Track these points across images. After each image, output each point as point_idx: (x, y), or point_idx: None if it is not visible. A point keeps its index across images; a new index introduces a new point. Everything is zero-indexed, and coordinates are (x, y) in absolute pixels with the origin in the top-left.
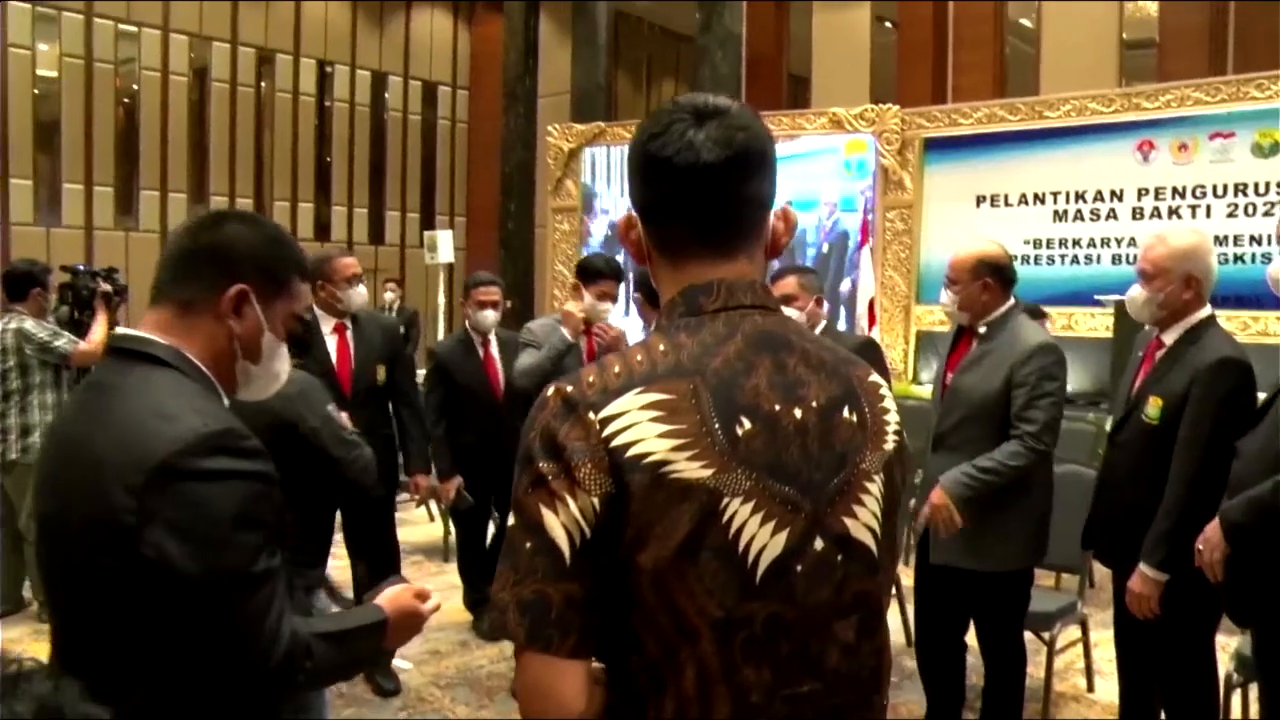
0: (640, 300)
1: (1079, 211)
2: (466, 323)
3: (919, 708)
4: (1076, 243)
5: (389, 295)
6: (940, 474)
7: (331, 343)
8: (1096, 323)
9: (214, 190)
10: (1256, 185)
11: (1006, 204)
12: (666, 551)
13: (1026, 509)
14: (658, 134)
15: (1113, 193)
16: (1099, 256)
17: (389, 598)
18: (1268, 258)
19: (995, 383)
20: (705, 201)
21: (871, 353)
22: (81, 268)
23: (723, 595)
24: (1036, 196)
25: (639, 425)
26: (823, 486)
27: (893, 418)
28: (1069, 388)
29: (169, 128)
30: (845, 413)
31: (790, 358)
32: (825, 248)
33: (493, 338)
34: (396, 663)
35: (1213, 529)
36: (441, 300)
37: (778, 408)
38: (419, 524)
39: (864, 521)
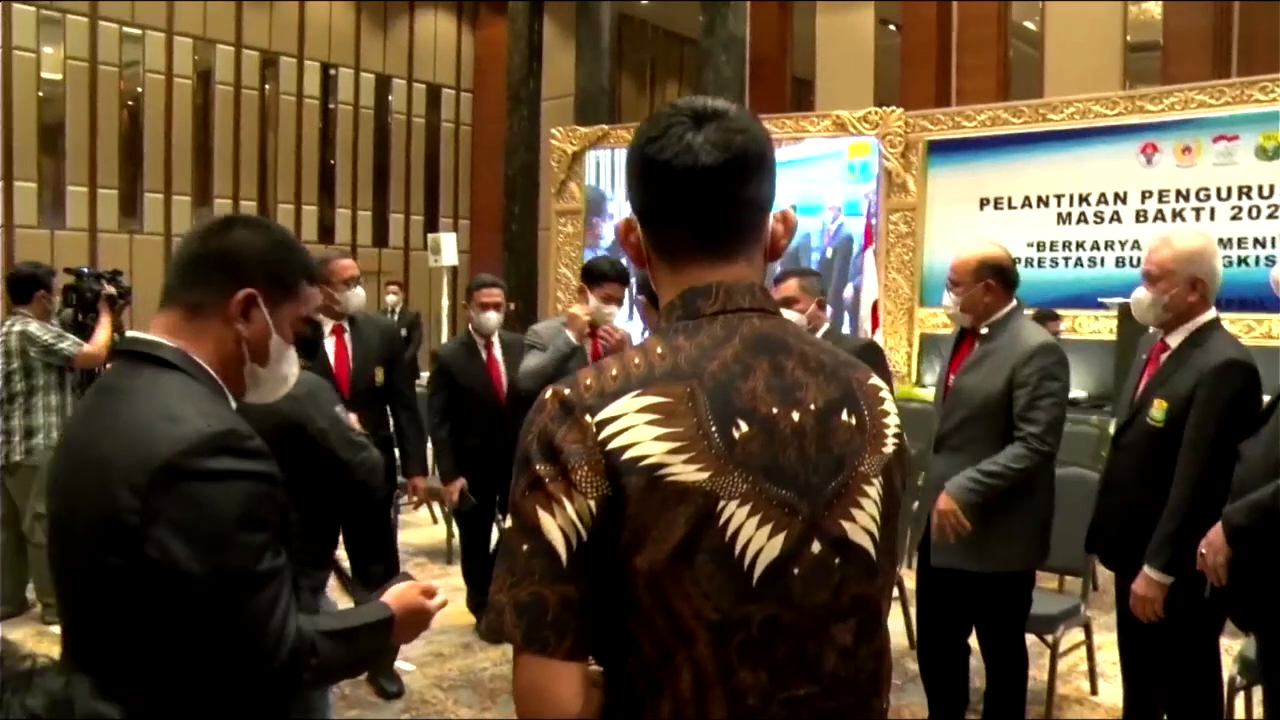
0: (643, 303)
1: (1083, 214)
2: (469, 325)
3: (921, 710)
4: (1080, 245)
5: (391, 298)
6: (942, 475)
7: (329, 345)
8: (1100, 325)
9: (218, 193)
10: (1260, 188)
11: (1010, 206)
12: (662, 554)
13: (1027, 511)
14: (656, 137)
15: (1116, 195)
16: (1102, 259)
17: (395, 595)
18: (1271, 260)
19: (997, 383)
20: (703, 204)
21: (873, 356)
22: (85, 270)
23: (719, 598)
24: (1040, 199)
25: (635, 428)
26: (820, 489)
27: (892, 421)
28: (1072, 391)
29: (173, 130)
30: (844, 415)
31: (788, 360)
32: (829, 252)
33: (496, 340)
34: (399, 665)
35: (1215, 533)
36: (445, 303)
37: (775, 411)
38: (422, 526)
39: (862, 525)
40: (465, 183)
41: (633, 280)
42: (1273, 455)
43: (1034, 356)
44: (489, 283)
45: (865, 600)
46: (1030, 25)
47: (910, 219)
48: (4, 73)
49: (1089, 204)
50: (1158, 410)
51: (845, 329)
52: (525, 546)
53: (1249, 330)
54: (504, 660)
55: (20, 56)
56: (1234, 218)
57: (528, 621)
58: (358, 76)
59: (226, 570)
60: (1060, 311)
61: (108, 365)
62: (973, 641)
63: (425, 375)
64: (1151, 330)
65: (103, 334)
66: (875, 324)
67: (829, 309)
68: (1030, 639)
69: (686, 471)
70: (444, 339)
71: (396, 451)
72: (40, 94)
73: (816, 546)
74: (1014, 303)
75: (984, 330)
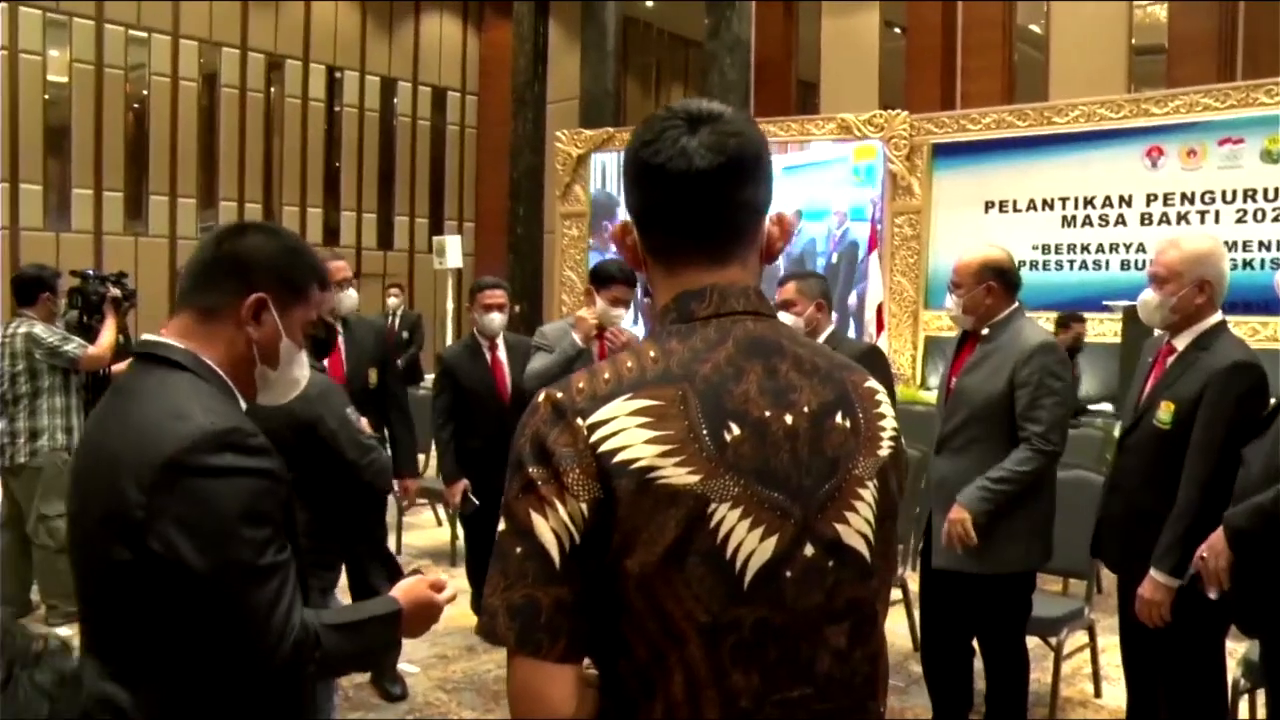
0: (647, 305)
1: (1088, 217)
2: (474, 327)
3: (925, 712)
4: (1085, 248)
5: (393, 300)
6: (944, 477)
7: None
8: (1105, 328)
9: (223, 195)
10: (1265, 191)
11: (1015, 209)
12: (653, 557)
13: (1028, 512)
14: (650, 140)
15: (1121, 198)
16: (1107, 262)
17: (404, 589)
18: (1276, 263)
19: (999, 383)
20: (698, 208)
21: (876, 361)
22: (90, 272)
23: (710, 600)
24: (1045, 202)
25: (626, 431)
26: (813, 492)
27: (889, 423)
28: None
29: (178, 133)
30: (838, 418)
31: (782, 363)
32: (834, 258)
33: (500, 341)
34: (403, 666)
35: (1216, 537)
36: (450, 305)
37: (768, 413)
38: (426, 528)
39: (856, 527)
40: (470, 185)
41: (640, 283)
42: (1275, 460)
43: (1034, 355)
44: (491, 284)
45: (860, 603)
46: (1035, 28)
47: (915, 222)
48: (10, 75)
49: (1094, 207)
50: (1165, 412)
51: (851, 334)
52: (518, 549)
53: (1254, 333)
54: None
55: (26, 59)
56: (1239, 220)
57: (521, 624)
58: (363, 79)
59: (229, 564)
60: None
61: (112, 367)
62: (977, 643)
63: (429, 378)
64: (1157, 333)
65: (107, 336)
66: (880, 326)
67: (834, 315)
68: (1034, 641)
69: (677, 474)
70: (449, 342)
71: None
72: (46, 97)
73: (809, 549)
74: (1016, 304)
75: (985, 331)
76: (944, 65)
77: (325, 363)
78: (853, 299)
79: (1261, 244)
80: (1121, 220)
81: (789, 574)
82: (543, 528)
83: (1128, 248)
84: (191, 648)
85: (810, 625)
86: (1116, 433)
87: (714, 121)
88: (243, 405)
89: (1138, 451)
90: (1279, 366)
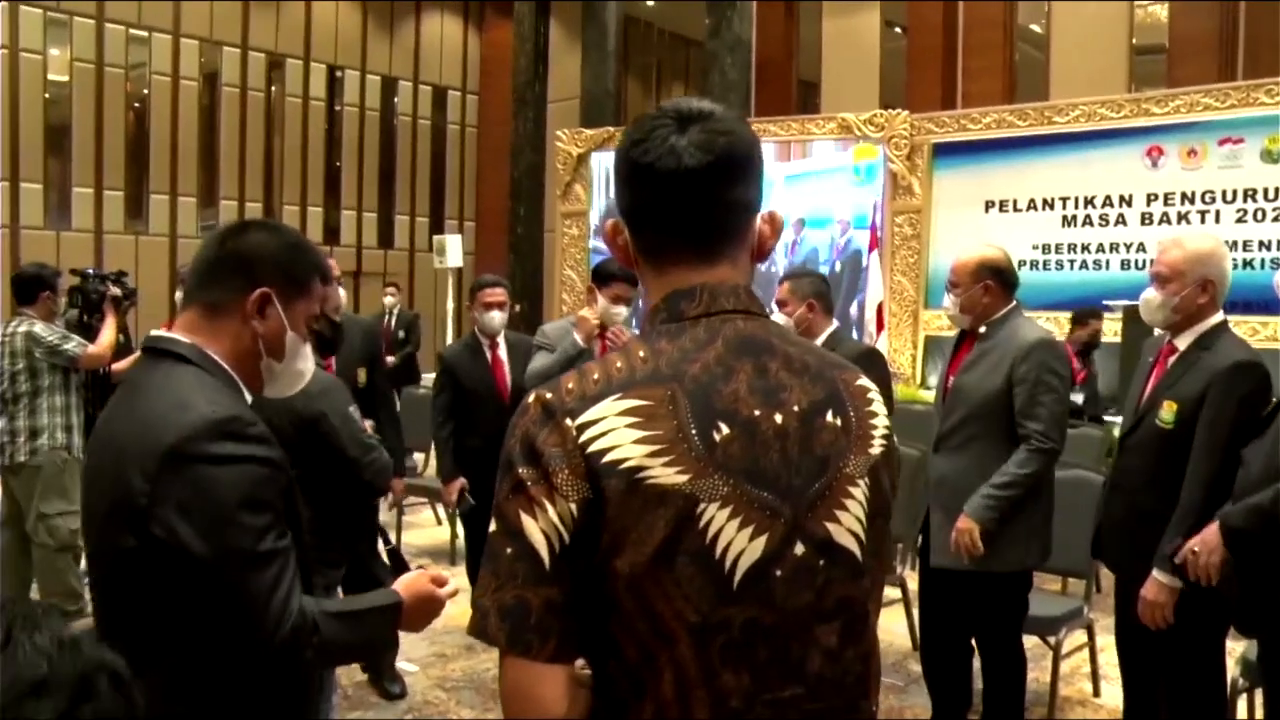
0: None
1: (1088, 217)
2: (475, 326)
3: (925, 711)
4: (1085, 248)
5: (389, 299)
6: (942, 475)
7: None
8: (1105, 328)
9: (223, 195)
10: (1265, 190)
11: (1015, 209)
12: (642, 557)
13: (1026, 511)
14: (640, 140)
15: (1122, 198)
16: (1107, 262)
17: (405, 583)
18: (1276, 263)
19: (996, 381)
20: (687, 207)
21: (874, 362)
22: (91, 271)
23: (699, 600)
24: (1045, 202)
25: (615, 431)
26: (803, 491)
27: (880, 421)
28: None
29: (179, 132)
30: (828, 417)
31: (772, 362)
32: (838, 266)
33: (501, 340)
34: (402, 665)
35: (1211, 532)
36: (450, 304)
37: (757, 413)
38: (426, 527)
39: (847, 526)
40: (470, 185)
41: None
42: (1275, 460)
43: (1032, 352)
44: (491, 282)
45: (851, 602)
46: (1036, 28)
47: (915, 221)
48: (10, 75)
49: (1094, 207)
50: (1167, 412)
51: (853, 337)
52: (509, 550)
53: (1254, 333)
54: None
55: (26, 58)
56: (1239, 220)
57: (511, 624)
58: (363, 78)
59: (228, 549)
60: (1064, 314)
61: (112, 366)
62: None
63: (427, 377)
64: (1157, 333)
65: (107, 335)
66: (880, 326)
67: (835, 321)
68: (1033, 641)
69: (666, 474)
70: (449, 341)
71: None
72: (46, 96)
73: (799, 548)
74: (1013, 303)
75: (982, 330)
76: (945, 65)
77: (326, 361)
78: (854, 309)
79: (1261, 244)
80: (1122, 220)
81: (779, 573)
82: (532, 528)
83: (1128, 247)
84: (195, 633)
85: (801, 624)
86: (1116, 433)
87: (704, 120)
88: (248, 398)
89: (1139, 451)
90: (1279, 366)
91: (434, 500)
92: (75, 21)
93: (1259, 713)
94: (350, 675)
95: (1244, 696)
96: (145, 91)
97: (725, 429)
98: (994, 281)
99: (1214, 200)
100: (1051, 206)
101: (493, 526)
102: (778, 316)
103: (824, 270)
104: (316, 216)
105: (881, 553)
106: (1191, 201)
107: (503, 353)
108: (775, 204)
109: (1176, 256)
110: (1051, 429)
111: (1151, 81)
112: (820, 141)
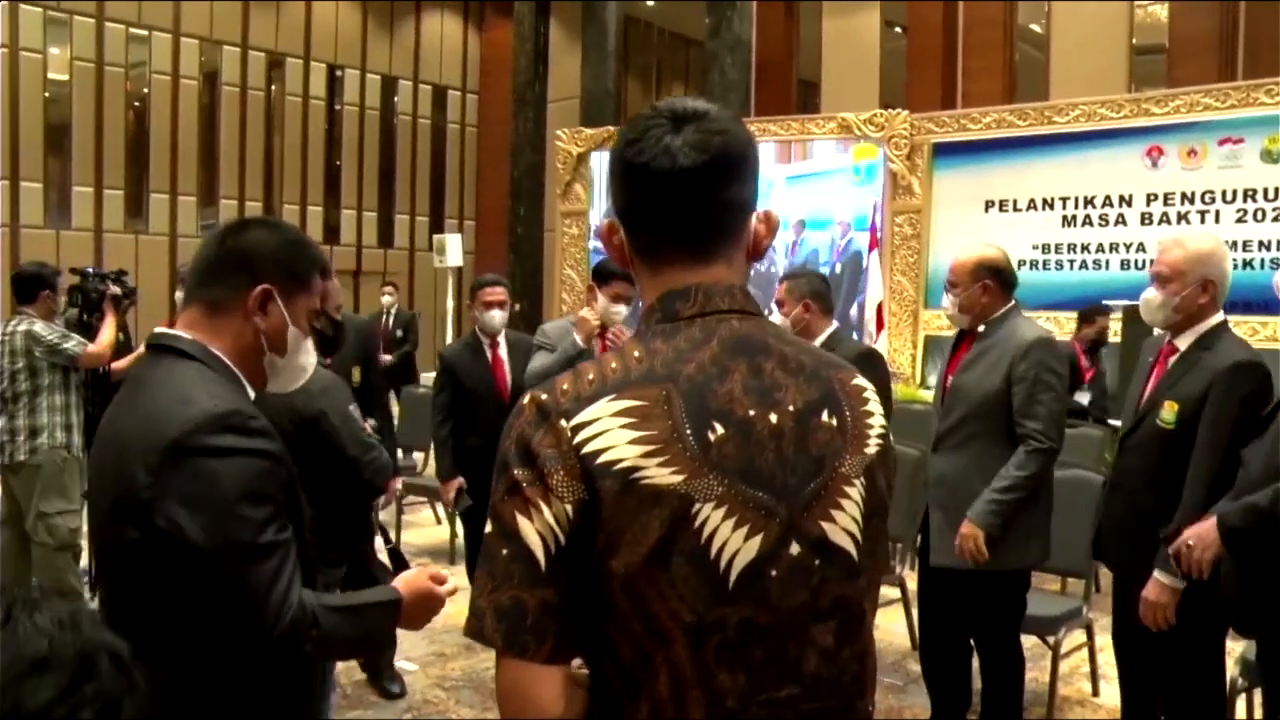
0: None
1: (1088, 217)
2: (475, 325)
3: (924, 711)
4: (1085, 248)
5: (387, 299)
6: (941, 474)
7: None
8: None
9: (223, 194)
10: (1265, 190)
11: (1015, 209)
12: (637, 557)
13: (1025, 512)
14: (635, 140)
15: (1121, 198)
16: (1107, 262)
17: (405, 580)
18: (1276, 263)
19: (995, 379)
20: (682, 206)
21: (872, 362)
22: (90, 270)
23: (694, 600)
24: (1045, 202)
25: (610, 432)
26: (798, 491)
27: (876, 421)
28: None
29: (179, 131)
30: (824, 416)
31: (767, 362)
32: (839, 268)
33: (502, 339)
34: (401, 664)
35: (1206, 527)
36: (450, 304)
37: (752, 413)
38: (426, 526)
39: (843, 526)
40: (470, 184)
41: None
42: (1274, 460)
43: (1031, 351)
44: (491, 281)
45: (847, 601)
46: (1036, 28)
47: (915, 221)
48: (10, 73)
49: (1094, 206)
50: (1168, 412)
51: (853, 338)
52: (505, 551)
53: (1254, 333)
54: None
55: (26, 57)
56: (1239, 220)
57: (507, 626)
58: (363, 78)
59: (229, 541)
60: (1064, 314)
61: (111, 365)
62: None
63: (425, 376)
64: (1156, 333)
65: (107, 334)
66: (880, 325)
67: (835, 321)
68: (1032, 640)
69: (661, 474)
70: (449, 340)
71: None
72: (46, 94)
73: (795, 548)
74: (1012, 303)
75: (981, 329)
76: (944, 65)
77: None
78: (854, 310)
79: (1261, 244)
80: (1121, 220)
81: (774, 573)
82: (528, 530)
83: (1128, 247)
84: (197, 626)
85: (796, 624)
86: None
87: (698, 120)
88: (250, 394)
89: (1140, 452)
90: (1279, 366)
91: (433, 499)
92: (75, 20)
93: (1258, 713)
94: (349, 674)
95: (1243, 696)
96: (145, 90)
97: (720, 429)
98: (992, 281)
99: (1214, 200)
100: (1051, 206)
101: (489, 528)
102: (776, 317)
103: (824, 272)
104: (316, 216)
105: (878, 552)
106: (1191, 201)
107: (503, 352)
108: (776, 205)
109: (1177, 256)
110: (1050, 428)
111: (1151, 81)
112: (820, 141)
